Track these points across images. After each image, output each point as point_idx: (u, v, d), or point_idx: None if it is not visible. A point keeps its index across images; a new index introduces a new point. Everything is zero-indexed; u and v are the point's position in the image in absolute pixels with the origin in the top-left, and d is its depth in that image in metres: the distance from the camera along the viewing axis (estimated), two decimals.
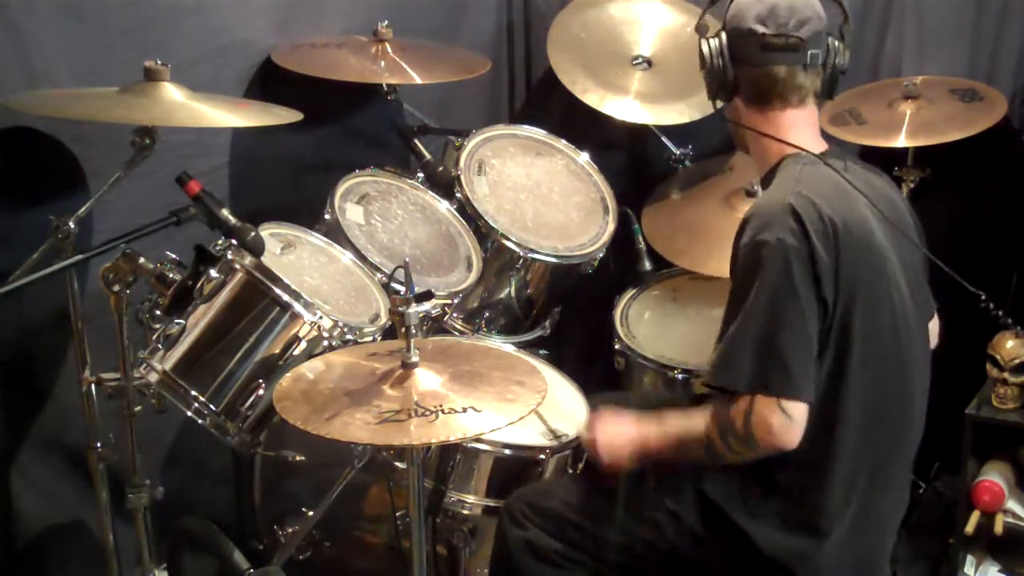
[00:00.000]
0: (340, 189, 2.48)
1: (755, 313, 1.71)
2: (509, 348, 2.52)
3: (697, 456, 1.81)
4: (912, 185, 2.86)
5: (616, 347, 2.65)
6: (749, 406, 1.71)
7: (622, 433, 1.90)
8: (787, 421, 1.70)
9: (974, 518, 2.63)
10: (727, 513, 1.83)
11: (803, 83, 1.87)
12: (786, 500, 1.81)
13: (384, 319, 2.25)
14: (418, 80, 2.69)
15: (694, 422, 1.81)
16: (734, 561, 1.85)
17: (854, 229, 1.76)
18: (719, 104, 1.97)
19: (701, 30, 1.92)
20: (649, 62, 3.02)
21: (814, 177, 1.81)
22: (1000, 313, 2.01)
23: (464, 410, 1.66)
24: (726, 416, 1.74)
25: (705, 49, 1.90)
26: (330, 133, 2.87)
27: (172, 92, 2.04)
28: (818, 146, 1.89)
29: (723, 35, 1.89)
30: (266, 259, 2.05)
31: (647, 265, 2.86)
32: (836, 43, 1.89)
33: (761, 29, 1.83)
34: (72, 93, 2.18)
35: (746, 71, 1.88)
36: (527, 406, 1.70)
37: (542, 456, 2.21)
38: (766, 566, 1.82)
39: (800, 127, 1.89)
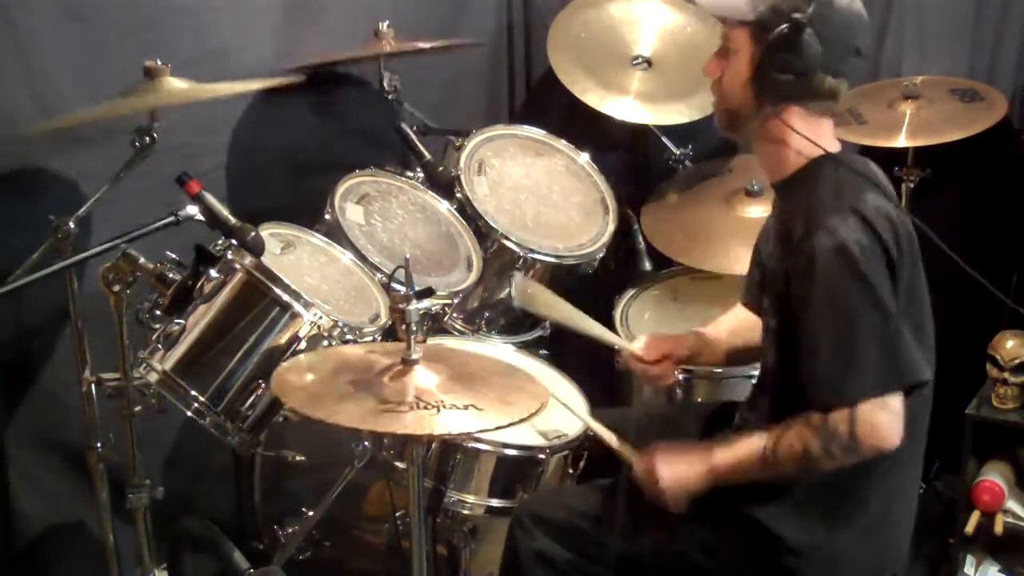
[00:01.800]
0: (340, 189, 2.48)
1: (861, 319, 1.67)
2: (509, 348, 2.53)
3: (788, 474, 1.76)
4: (912, 185, 2.86)
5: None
6: (853, 413, 1.67)
7: (688, 470, 1.83)
8: (892, 417, 1.67)
9: (974, 518, 2.63)
10: (739, 510, 1.82)
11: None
12: (808, 496, 1.80)
13: (384, 319, 2.25)
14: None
15: (782, 441, 1.74)
16: (745, 567, 1.85)
17: (902, 226, 1.76)
18: (771, 107, 1.80)
19: (793, 22, 1.73)
20: (649, 62, 3.02)
21: (855, 179, 1.79)
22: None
23: (465, 407, 1.66)
24: (828, 428, 1.68)
25: (807, 51, 1.73)
26: (330, 133, 2.86)
27: (173, 83, 2.04)
28: (837, 147, 1.87)
29: (819, 39, 1.73)
30: (266, 259, 2.05)
31: (647, 265, 2.87)
32: None
33: (863, 50, 1.79)
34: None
35: (827, 80, 1.77)
36: (528, 408, 1.69)
37: (542, 456, 2.21)
38: (778, 570, 1.82)
39: (831, 133, 1.86)
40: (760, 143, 1.87)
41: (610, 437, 2.02)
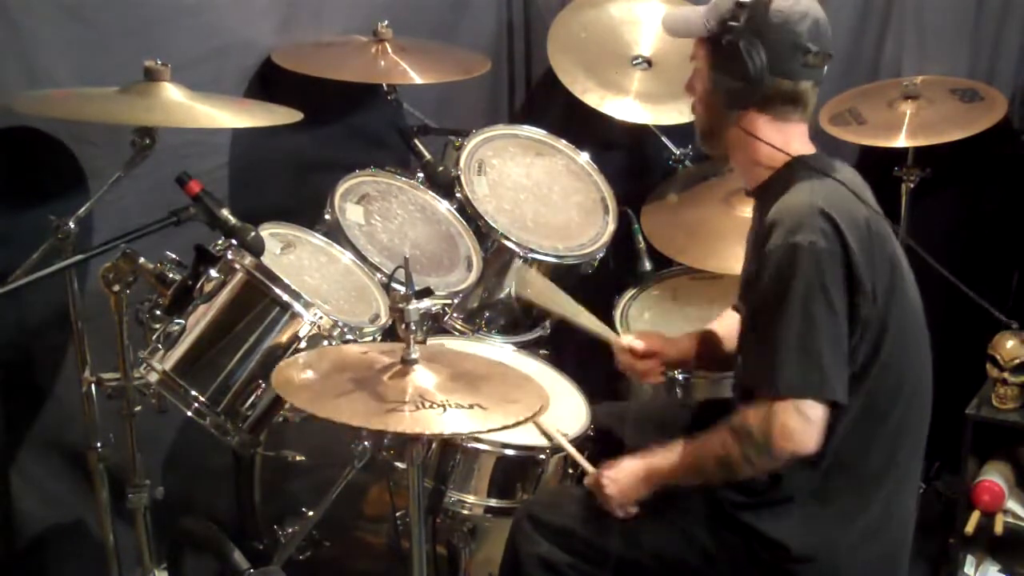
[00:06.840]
0: (340, 189, 2.48)
1: (790, 318, 1.68)
2: (509, 348, 2.53)
3: (713, 476, 1.80)
4: (912, 185, 2.86)
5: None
6: (768, 412, 1.69)
7: (630, 473, 1.89)
8: (805, 424, 1.68)
9: (974, 518, 2.63)
10: (739, 518, 1.82)
11: (814, 96, 1.86)
12: (810, 499, 1.80)
13: (384, 319, 2.25)
14: (418, 80, 2.69)
15: (707, 442, 1.79)
16: (746, 573, 1.85)
17: (875, 226, 1.76)
18: (733, 113, 1.86)
19: (732, 32, 1.79)
20: (649, 62, 3.03)
21: (827, 181, 1.80)
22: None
23: (470, 406, 1.66)
24: (743, 426, 1.73)
25: (748, 57, 1.78)
26: (330, 133, 2.86)
27: (172, 92, 2.05)
28: (811, 150, 1.89)
29: (760, 44, 1.78)
30: (266, 259, 2.05)
31: (647, 265, 2.87)
32: None
33: (812, 47, 1.79)
34: (72, 93, 2.18)
35: (778, 83, 1.81)
36: (531, 407, 1.69)
37: (542, 456, 2.21)
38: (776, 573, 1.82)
39: (802, 136, 1.88)
40: (733, 154, 1.92)
41: (571, 449, 2.14)
